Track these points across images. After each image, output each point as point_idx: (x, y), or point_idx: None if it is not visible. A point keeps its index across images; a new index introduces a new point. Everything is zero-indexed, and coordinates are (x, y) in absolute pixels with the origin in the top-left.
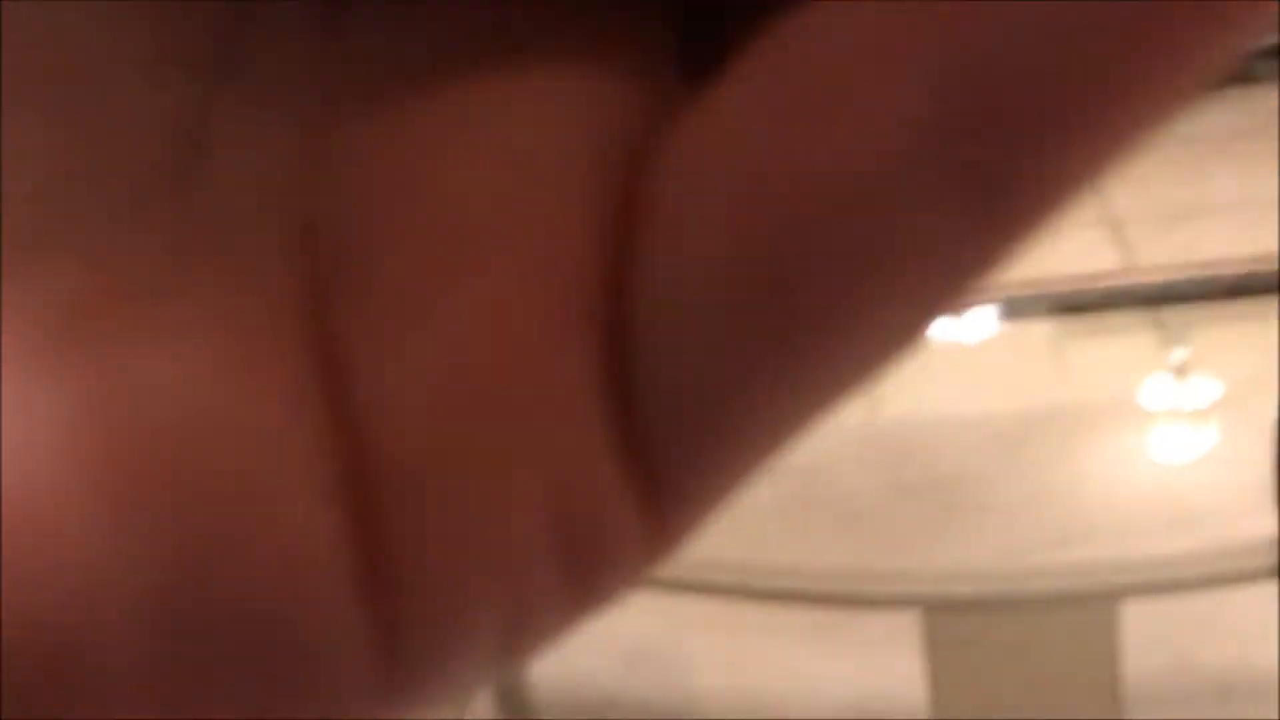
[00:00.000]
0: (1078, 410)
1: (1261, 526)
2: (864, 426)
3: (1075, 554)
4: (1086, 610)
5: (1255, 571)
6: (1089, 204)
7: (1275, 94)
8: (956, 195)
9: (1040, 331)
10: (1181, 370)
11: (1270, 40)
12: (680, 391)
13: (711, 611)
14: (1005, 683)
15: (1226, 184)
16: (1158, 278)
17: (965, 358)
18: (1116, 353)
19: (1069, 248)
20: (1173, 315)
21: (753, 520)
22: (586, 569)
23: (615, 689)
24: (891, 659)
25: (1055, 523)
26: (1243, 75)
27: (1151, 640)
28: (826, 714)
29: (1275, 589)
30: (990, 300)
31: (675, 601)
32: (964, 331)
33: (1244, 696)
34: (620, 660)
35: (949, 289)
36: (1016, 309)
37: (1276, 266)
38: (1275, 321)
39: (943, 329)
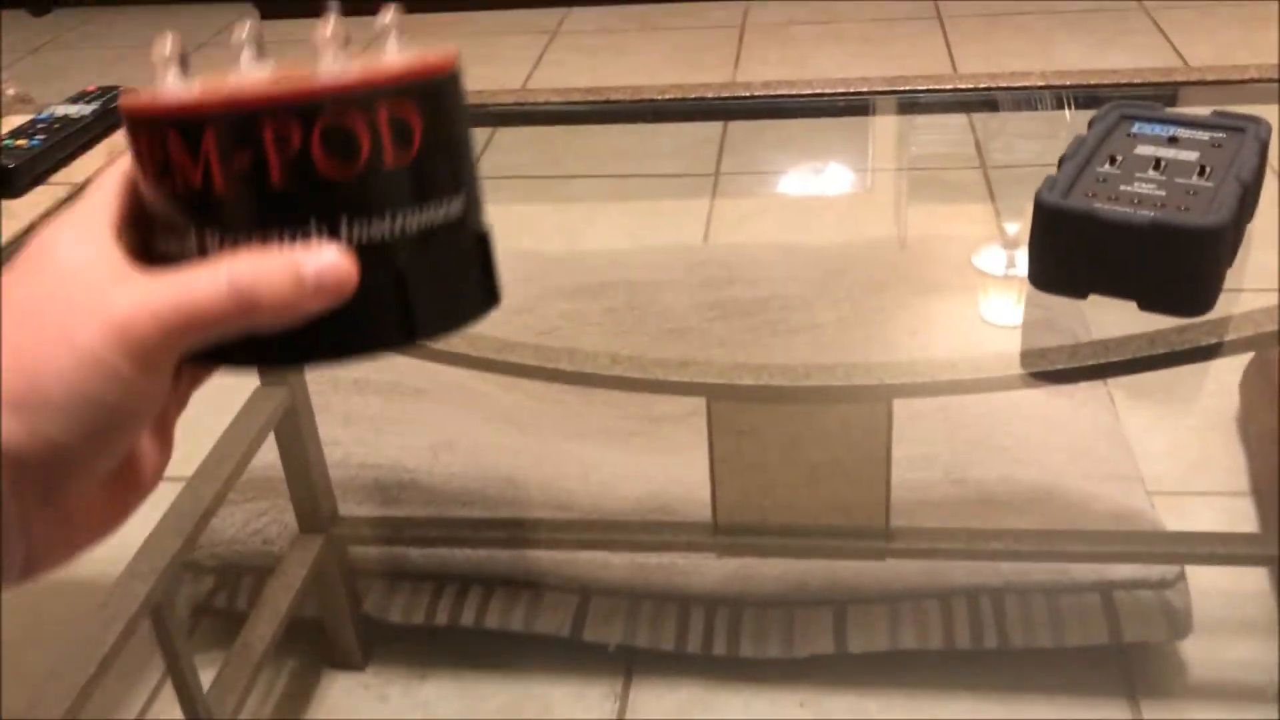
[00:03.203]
0: (903, 252)
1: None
2: (696, 250)
3: None
4: (859, 406)
5: (1010, 380)
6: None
7: None
8: None
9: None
10: (1013, 241)
11: None
12: None
13: (518, 410)
14: (782, 474)
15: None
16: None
17: (808, 205)
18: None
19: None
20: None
21: (573, 330)
22: None
23: (417, 476)
24: (684, 462)
25: (859, 346)
26: None
27: (924, 458)
28: (618, 506)
29: (1041, 410)
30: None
31: (484, 395)
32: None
33: (1007, 507)
34: (425, 449)
35: None
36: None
37: None
38: None
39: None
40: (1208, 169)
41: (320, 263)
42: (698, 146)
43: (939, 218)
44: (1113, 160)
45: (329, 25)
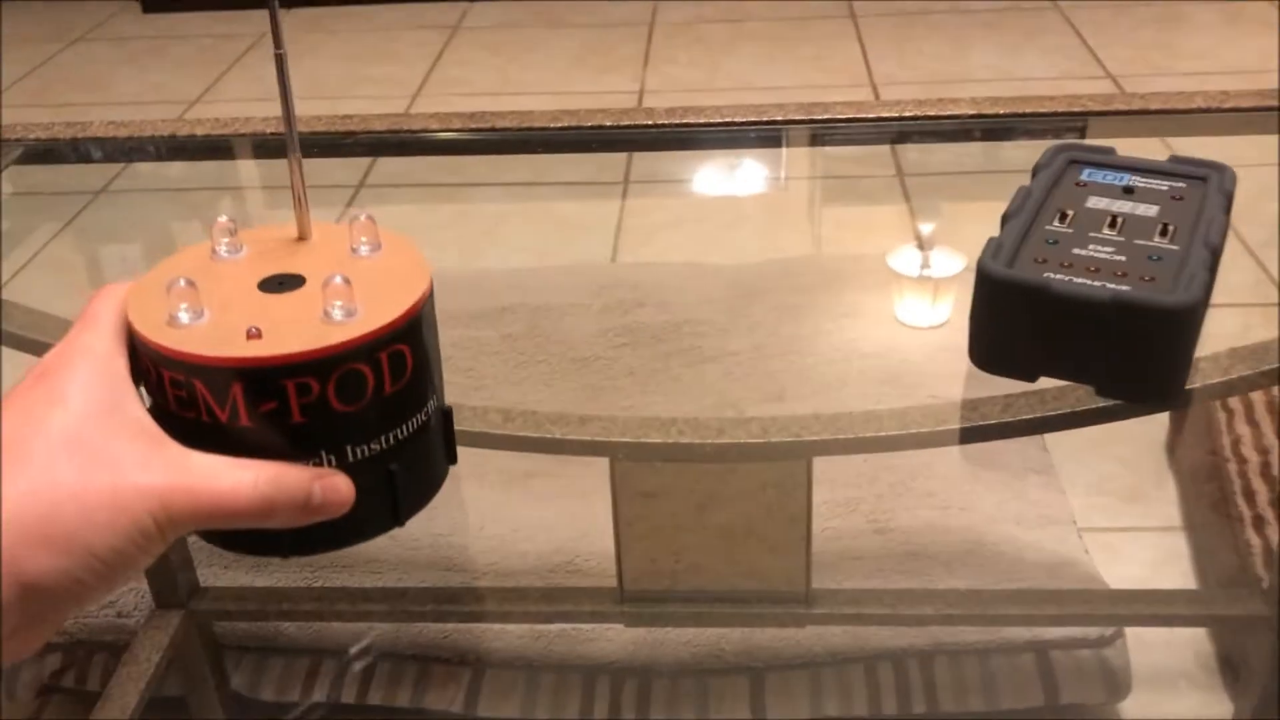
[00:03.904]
0: (817, 266)
1: (976, 392)
2: (603, 270)
3: (790, 407)
4: (777, 463)
5: (953, 434)
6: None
7: None
8: None
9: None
10: (928, 241)
11: None
12: None
13: None
14: (694, 538)
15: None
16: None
17: (714, 214)
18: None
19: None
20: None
21: (469, 360)
22: None
23: None
24: (593, 507)
25: (776, 375)
26: None
27: (845, 504)
28: (517, 564)
29: (968, 447)
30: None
31: None
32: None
33: (935, 560)
34: None
35: None
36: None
37: None
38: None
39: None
40: (1171, 228)
41: (328, 487)
42: (605, 152)
43: (855, 221)
44: (1063, 217)
45: (333, 282)
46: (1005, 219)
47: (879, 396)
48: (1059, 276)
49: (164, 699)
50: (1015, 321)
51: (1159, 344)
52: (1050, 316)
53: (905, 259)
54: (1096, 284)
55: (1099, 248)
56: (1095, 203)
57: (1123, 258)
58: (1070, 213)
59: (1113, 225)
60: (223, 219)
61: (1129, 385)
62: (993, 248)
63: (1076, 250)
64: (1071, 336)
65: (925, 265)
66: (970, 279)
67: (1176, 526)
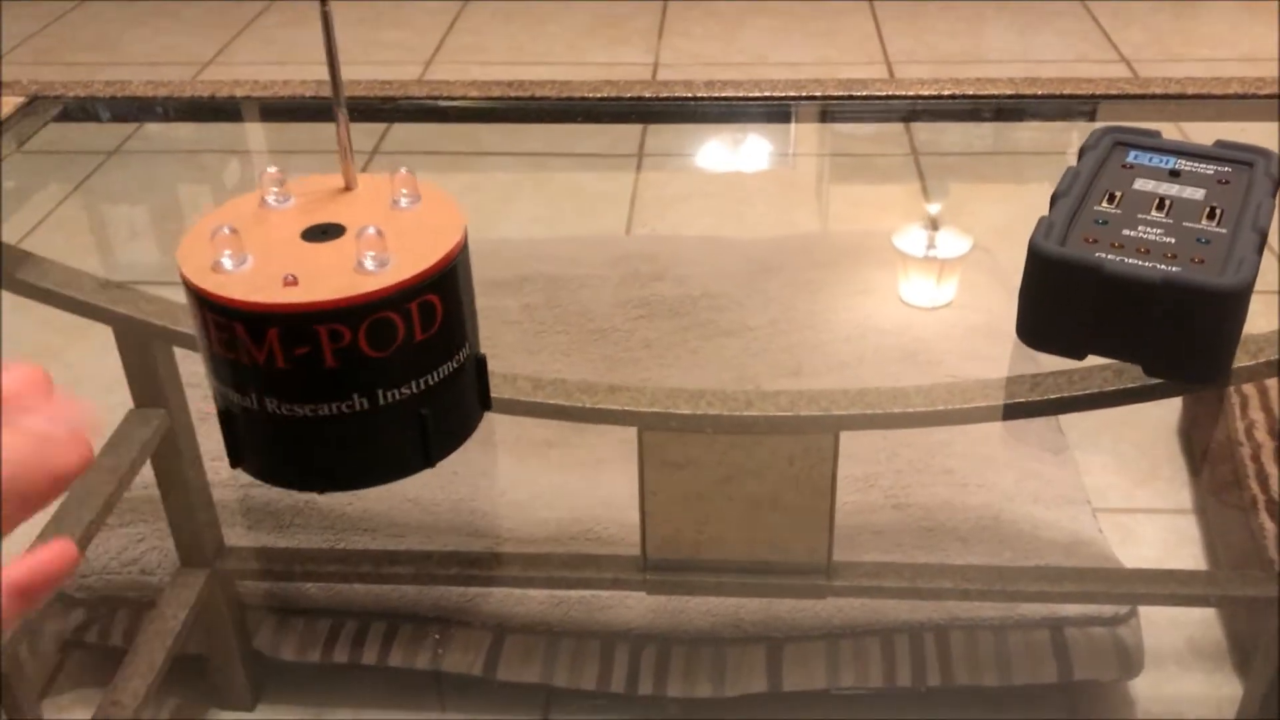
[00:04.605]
0: (831, 243)
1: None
2: (620, 242)
3: (807, 383)
4: (804, 437)
5: (980, 412)
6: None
7: None
8: None
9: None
10: (935, 221)
11: None
12: None
13: None
14: (718, 508)
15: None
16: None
17: (729, 188)
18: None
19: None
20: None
21: (488, 329)
22: None
23: (314, 498)
24: (610, 476)
25: (793, 351)
26: None
27: (864, 479)
28: (537, 531)
29: (985, 426)
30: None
31: None
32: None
33: (952, 536)
34: None
35: None
36: None
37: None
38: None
39: (714, 160)
40: (1219, 212)
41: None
42: (620, 124)
43: (870, 199)
44: (1111, 198)
45: (367, 233)
46: (1054, 199)
47: (896, 375)
48: (1111, 256)
49: (183, 657)
50: (1066, 299)
51: (1208, 325)
52: (1101, 295)
53: (912, 239)
54: (1148, 265)
55: (1148, 229)
56: (1142, 185)
57: (1171, 239)
58: (1118, 194)
59: (1160, 207)
60: (272, 169)
61: (1177, 365)
62: (1044, 227)
63: (1126, 231)
64: (1121, 316)
65: (931, 246)
66: (977, 259)
67: (1189, 509)
